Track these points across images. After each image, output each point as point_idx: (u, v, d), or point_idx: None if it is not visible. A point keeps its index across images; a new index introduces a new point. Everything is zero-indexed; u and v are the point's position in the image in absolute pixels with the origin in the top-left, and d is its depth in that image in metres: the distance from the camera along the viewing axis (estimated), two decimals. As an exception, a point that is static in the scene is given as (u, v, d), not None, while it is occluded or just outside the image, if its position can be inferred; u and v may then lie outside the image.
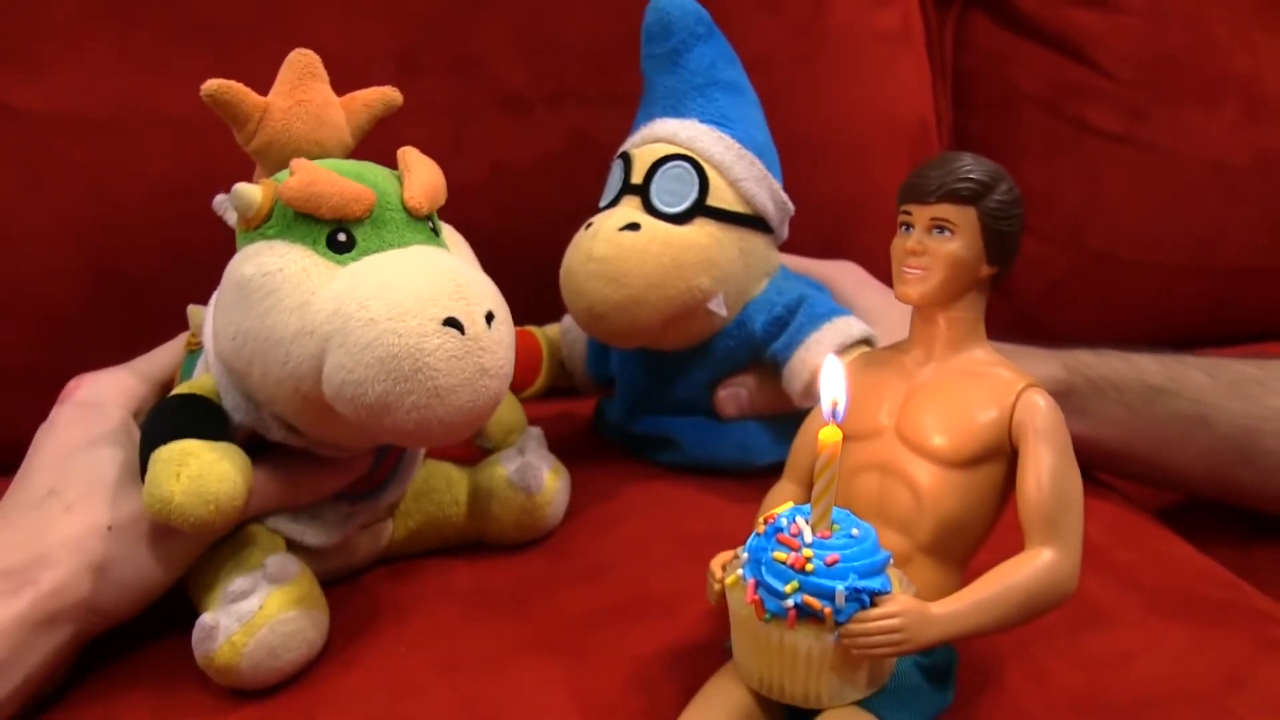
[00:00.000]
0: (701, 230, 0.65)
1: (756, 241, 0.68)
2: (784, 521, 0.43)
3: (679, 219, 0.65)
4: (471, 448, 0.68)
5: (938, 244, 0.47)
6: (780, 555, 0.42)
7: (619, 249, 0.63)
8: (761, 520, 0.44)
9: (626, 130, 0.72)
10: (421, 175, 0.53)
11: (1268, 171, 1.02)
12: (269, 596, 0.50)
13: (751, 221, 0.67)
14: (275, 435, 0.53)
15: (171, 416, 0.51)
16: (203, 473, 0.48)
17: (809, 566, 0.41)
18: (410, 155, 0.54)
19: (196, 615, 0.50)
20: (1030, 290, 1.02)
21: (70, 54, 0.71)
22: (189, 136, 0.72)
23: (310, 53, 0.53)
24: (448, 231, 0.56)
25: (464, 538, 0.63)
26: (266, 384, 0.49)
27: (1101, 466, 0.72)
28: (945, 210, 0.47)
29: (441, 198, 0.54)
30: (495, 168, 0.81)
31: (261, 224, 0.50)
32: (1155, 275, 1.01)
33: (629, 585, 0.59)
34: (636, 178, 0.66)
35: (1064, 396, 0.66)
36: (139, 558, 0.51)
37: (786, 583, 0.42)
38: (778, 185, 0.68)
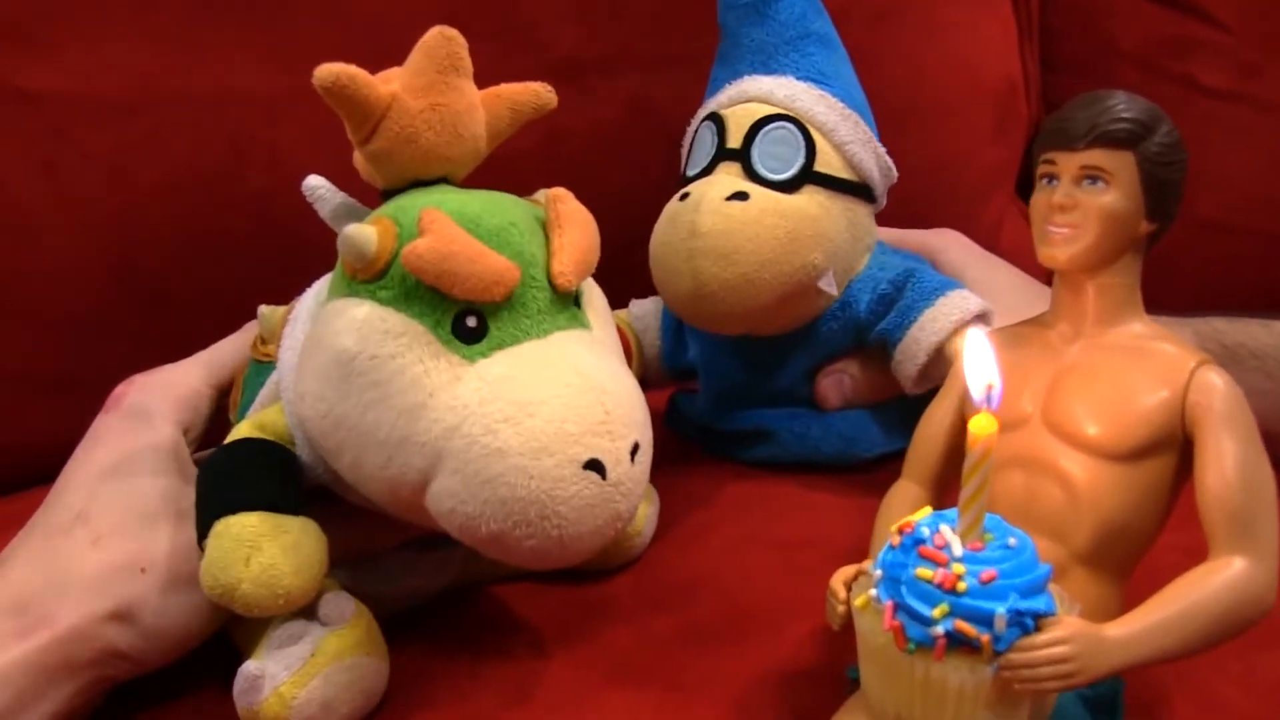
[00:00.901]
0: (811, 199, 0.59)
1: (861, 212, 0.62)
2: (925, 531, 0.36)
3: (786, 186, 0.58)
4: None
5: (1090, 196, 0.40)
6: (925, 573, 0.35)
7: (728, 221, 0.56)
8: (895, 530, 0.37)
9: (689, 96, 0.66)
10: (575, 240, 0.45)
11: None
12: (322, 641, 0.43)
13: (857, 189, 0.61)
14: (351, 497, 0.47)
15: (240, 473, 0.45)
16: (276, 563, 0.42)
17: (961, 586, 0.34)
18: (564, 208, 0.46)
19: (240, 660, 0.44)
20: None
21: (85, 31, 0.66)
22: (216, 118, 0.68)
23: (455, 35, 0.45)
24: (589, 294, 0.49)
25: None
26: (356, 474, 0.43)
27: None
28: (1098, 156, 0.40)
29: (594, 263, 0.46)
30: (548, 138, 0.74)
31: (374, 279, 0.42)
32: (1272, 245, 0.92)
33: (722, 602, 0.52)
34: (733, 141, 0.59)
35: None
36: (174, 606, 0.45)
37: (934, 605, 0.34)
38: (882, 149, 0.62)
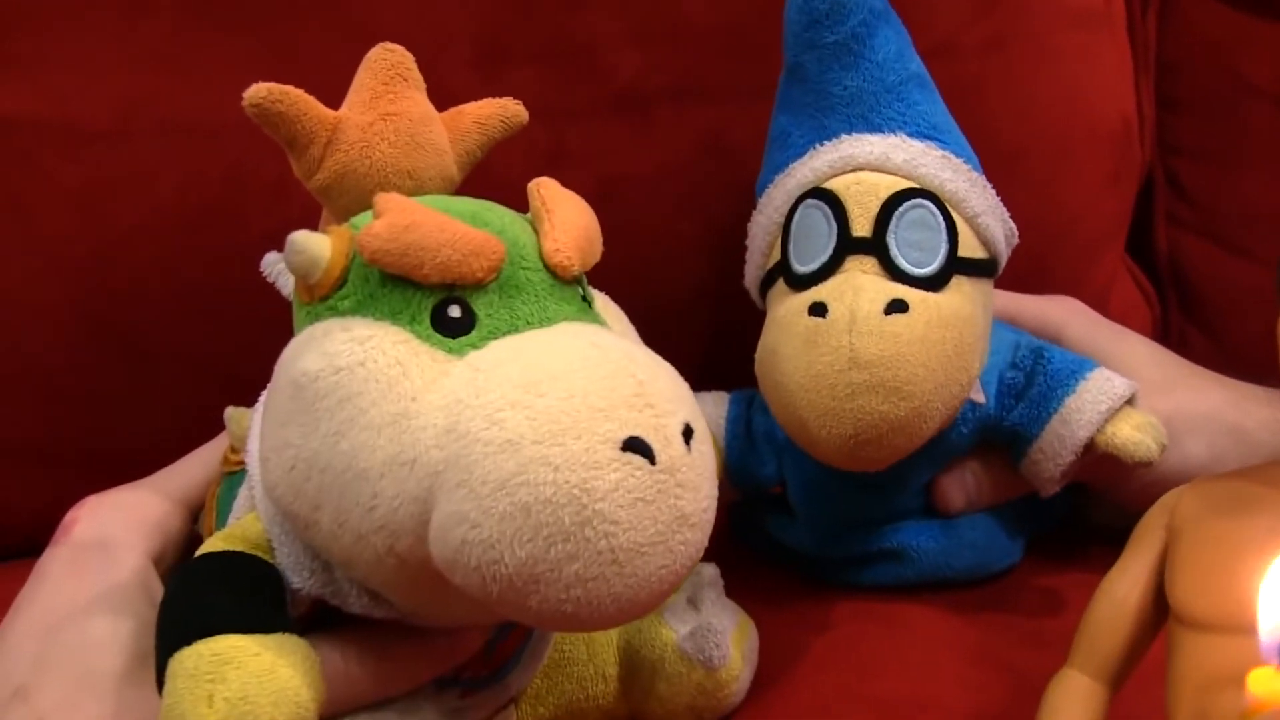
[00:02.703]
0: (962, 294, 0.49)
1: (990, 293, 0.52)
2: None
3: (933, 283, 0.48)
4: None
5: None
6: None
7: (897, 345, 0.46)
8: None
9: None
10: (568, 218, 0.38)
11: None
12: None
13: (989, 267, 0.52)
14: (355, 606, 0.37)
15: (200, 591, 0.36)
16: (248, 692, 0.33)
17: None
18: (549, 190, 0.39)
19: None
20: (1247, 330, 0.83)
21: (60, 47, 0.60)
22: (211, 151, 0.61)
23: (399, 49, 0.41)
24: (603, 303, 0.41)
25: None
26: (342, 538, 0.34)
27: None
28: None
29: (597, 250, 0.39)
30: (605, 182, 0.67)
31: (331, 292, 0.35)
32: None
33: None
34: (861, 228, 0.49)
35: None
36: None
37: None
38: (1007, 213, 0.53)
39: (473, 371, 0.33)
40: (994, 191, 0.52)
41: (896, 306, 0.46)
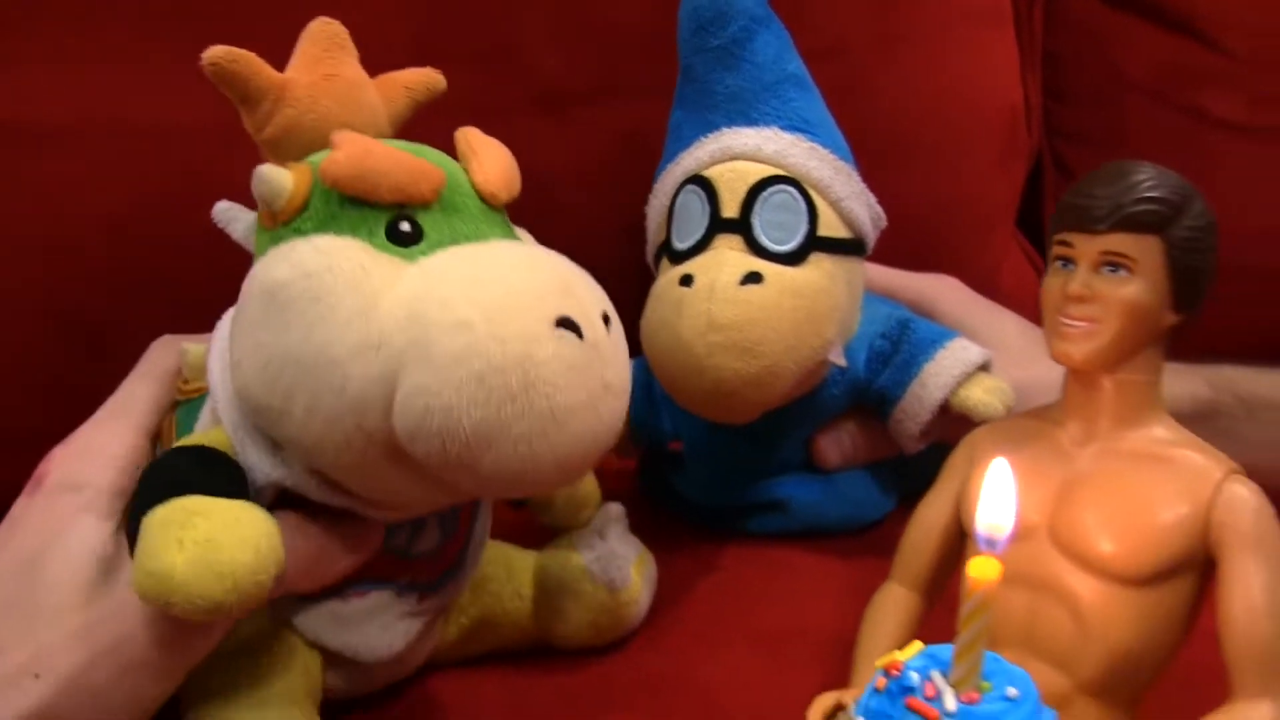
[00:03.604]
0: (819, 269, 0.54)
1: (857, 269, 0.57)
2: (915, 678, 0.32)
3: (793, 258, 0.53)
4: (532, 523, 0.56)
5: (1110, 287, 0.36)
6: (914, 729, 0.30)
7: (749, 310, 0.51)
8: (882, 669, 0.33)
9: None
10: (492, 155, 0.43)
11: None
12: None
13: (854, 247, 0.56)
14: (315, 494, 0.41)
15: (169, 470, 0.40)
16: (215, 536, 0.36)
17: (953, 746, 0.30)
18: (473, 136, 0.44)
19: None
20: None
21: (20, 49, 0.61)
22: (166, 148, 0.63)
23: (335, 22, 0.44)
24: (521, 234, 0.46)
25: (525, 638, 0.52)
26: (313, 422, 0.38)
27: None
28: (1120, 242, 0.36)
29: (517, 184, 0.44)
30: (529, 174, 0.69)
31: (295, 217, 0.40)
32: (1283, 285, 0.89)
33: (695, 702, 0.48)
34: (730, 210, 0.54)
35: (1209, 418, 0.58)
36: (81, 709, 0.39)
37: (923, 767, 0.30)
38: (873, 198, 0.58)
39: (425, 271, 0.38)
40: (859, 179, 0.57)
41: (752, 278, 0.51)
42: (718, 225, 0.54)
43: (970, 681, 0.31)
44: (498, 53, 0.70)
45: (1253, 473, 0.59)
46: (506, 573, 0.51)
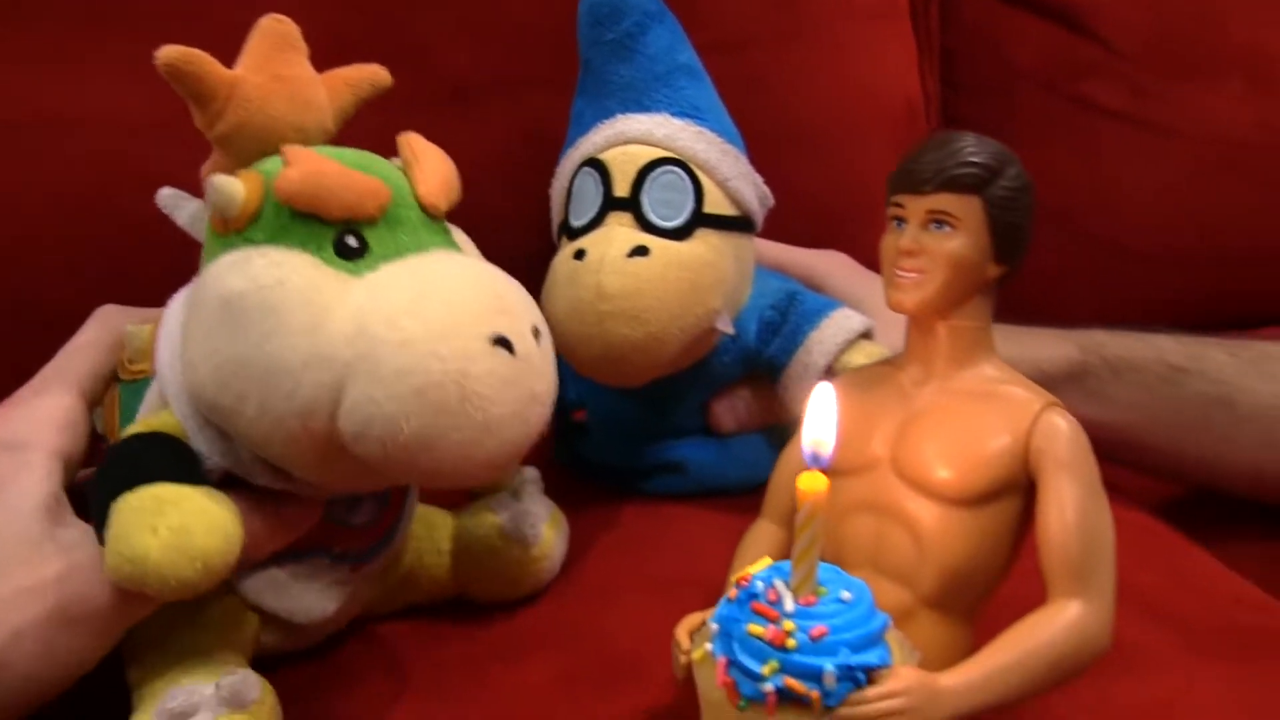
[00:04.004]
0: (704, 243, 0.58)
1: (745, 244, 0.61)
2: (759, 585, 0.36)
3: (680, 233, 0.57)
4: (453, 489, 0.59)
5: (936, 242, 0.40)
6: (756, 629, 0.35)
7: (636, 281, 0.55)
8: (733, 582, 0.37)
9: None
10: (433, 166, 0.46)
11: (1277, 149, 0.94)
12: None
13: (741, 224, 0.60)
14: (259, 479, 0.44)
15: (136, 455, 0.43)
16: (187, 523, 0.39)
17: (790, 642, 0.34)
18: (416, 143, 0.46)
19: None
20: (1026, 281, 0.93)
21: None
22: (104, 141, 0.66)
23: (286, 19, 0.46)
24: (458, 235, 0.49)
25: (445, 593, 0.55)
26: (262, 422, 0.41)
27: (1117, 456, 0.66)
28: (944, 201, 0.40)
29: (457, 192, 0.46)
30: None
31: (246, 226, 0.42)
32: (1162, 263, 0.94)
33: (595, 645, 0.51)
34: (621, 189, 0.58)
35: (1079, 379, 0.64)
36: (12, 651, 0.40)
37: (764, 662, 0.34)
38: (759, 179, 0.62)
39: (370, 287, 0.41)
40: (747, 161, 0.61)
41: (639, 251, 0.55)
42: (610, 204, 0.58)
43: (807, 586, 0.35)
44: (406, 50, 0.73)
45: (1118, 434, 0.64)
46: (427, 531, 0.54)
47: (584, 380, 0.62)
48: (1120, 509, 0.62)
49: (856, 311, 0.61)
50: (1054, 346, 0.65)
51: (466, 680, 0.50)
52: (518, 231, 0.63)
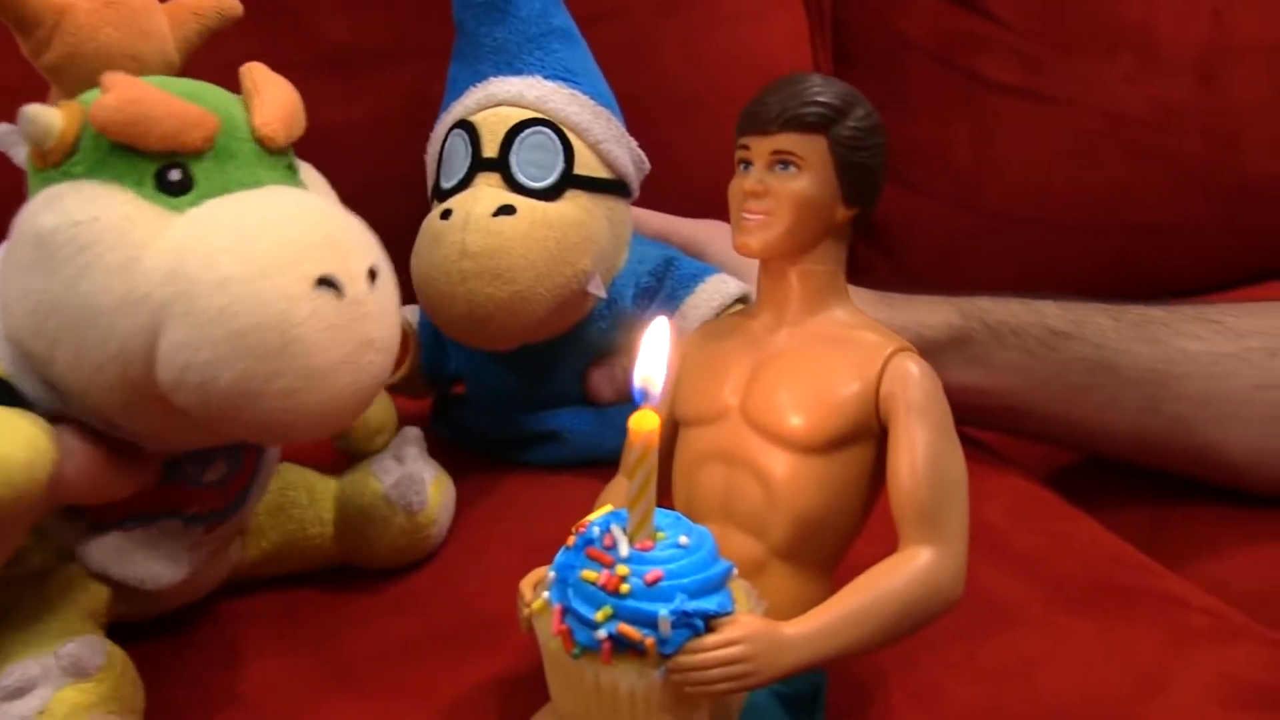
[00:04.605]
0: (574, 204, 0.57)
1: (620, 209, 0.61)
2: (595, 531, 0.35)
3: (549, 194, 0.56)
4: (330, 449, 0.58)
5: (781, 182, 0.39)
6: (590, 575, 0.33)
7: (500, 239, 0.54)
8: (573, 530, 0.36)
9: None
10: (275, 96, 0.43)
11: (1167, 123, 0.96)
12: (56, 696, 0.39)
13: (615, 186, 0.60)
14: (94, 425, 0.42)
15: None
16: None
17: (624, 588, 0.33)
18: (258, 72, 0.44)
19: None
20: (921, 253, 0.95)
21: None
22: None
23: None
24: (307, 171, 0.46)
25: (329, 561, 0.53)
26: (79, 370, 0.39)
27: (1001, 421, 0.67)
28: (788, 141, 0.39)
29: (300, 125, 0.44)
30: (318, 131, 0.70)
31: (64, 159, 0.39)
32: (1054, 235, 0.95)
33: (459, 606, 0.50)
34: (489, 150, 0.57)
35: (961, 344, 0.64)
36: None
37: (598, 608, 0.33)
38: (634, 142, 0.61)
39: (191, 224, 0.38)
40: (620, 124, 0.60)
41: (505, 210, 0.54)
42: (478, 165, 0.57)
43: (644, 531, 0.34)
44: (286, 16, 0.72)
45: (1001, 399, 0.64)
46: (309, 498, 0.53)
47: (463, 352, 0.62)
48: (1001, 473, 0.64)
49: (733, 278, 0.60)
50: (936, 312, 0.65)
51: (315, 640, 0.49)
52: (399, 197, 0.61)
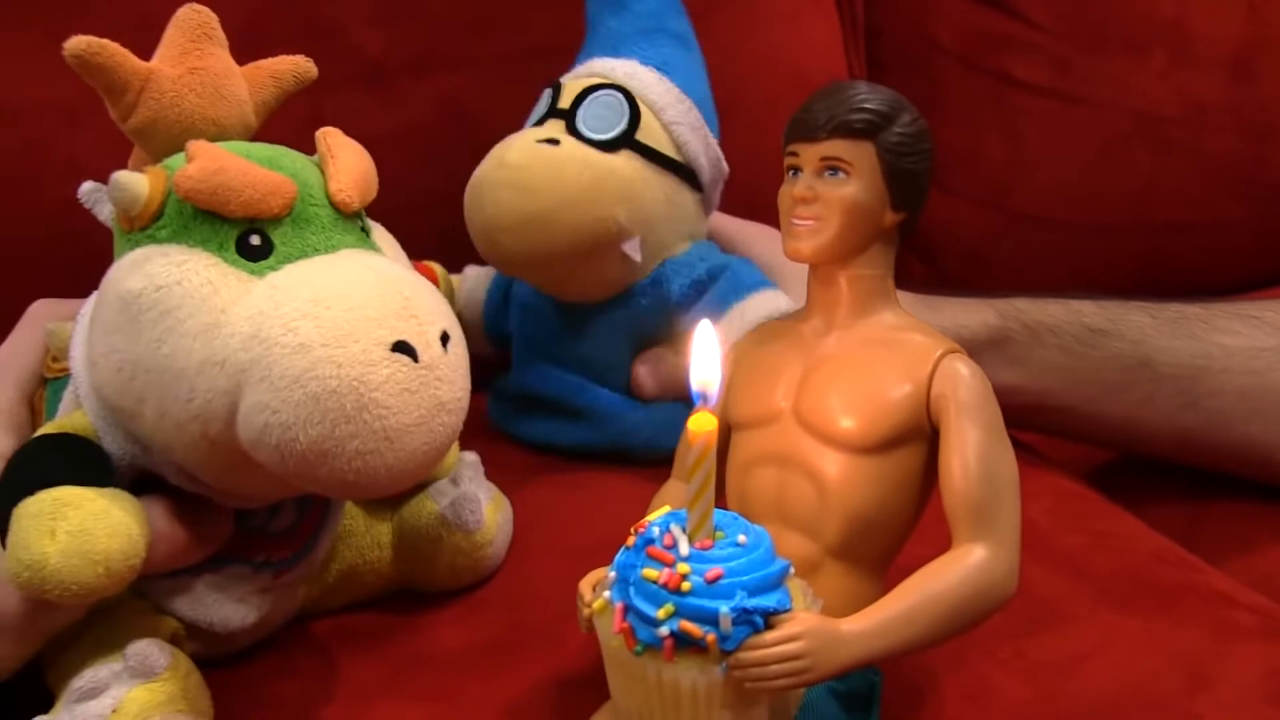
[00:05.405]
0: (627, 162, 0.60)
1: (685, 196, 0.63)
2: (656, 531, 0.35)
3: (604, 146, 0.60)
4: None
5: (830, 188, 0.40)
6: (651, 573, 0.34)
7: (534, 158, 0.58)
8: (632, 530, 0.36)
9: (499, 97, 0.68)
10: (349, 163, 0.44)
11: (1200, 120, 0.95)
12: (128, 696, 0.40)
13: (681, 170, 0.62)
14: (172, 479, 0.43)
15: (37, 462, 0.41)
16: (86, 526, 0.38)
17: (685, 585, 0.34)
18: (333, 138, 0.45)
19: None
20: (952, 255, 0.95)
21: None
22: (9, 126, 0.66)
23: (204, 9, 0.45)
24: (379, 233, 0.48)
25: (389, 586, 0.53)
26: (163, 426, 0.40)
27: (1040, 421, 0.67)
28: (837, 147, 0.40)
29: (373, 190, 0.45)
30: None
31: (150, 223, 0.41)
32: (1085, 236, 0.95)
33: (508, 613, 0.51)
34: (564, 103, 0.61)
35: (999, 345, 0.64)
36: None
37: (659, 606, 0.34)
38: (714, 140, 0.64)
39: (271, 289, 0.40)
40: (703, 119, 0.63)
41: (550, 141, 0.58)
42: (552, 113, 0.61)
43: (703, 530, 0.35)
44: (322, 32, 0.74)
45: (1040, 399, 0.65)
46: (366, 525, 0.53)
47: (518, 303, 0.65)
48: (1042, 473, 0.65)
49: (786, 296, 0.61)
50: (973, 314, 0.65)
51: (369, 648, 0.50)
52: (433, 209, 0.63)
